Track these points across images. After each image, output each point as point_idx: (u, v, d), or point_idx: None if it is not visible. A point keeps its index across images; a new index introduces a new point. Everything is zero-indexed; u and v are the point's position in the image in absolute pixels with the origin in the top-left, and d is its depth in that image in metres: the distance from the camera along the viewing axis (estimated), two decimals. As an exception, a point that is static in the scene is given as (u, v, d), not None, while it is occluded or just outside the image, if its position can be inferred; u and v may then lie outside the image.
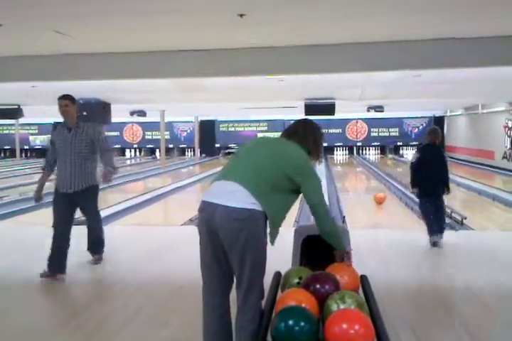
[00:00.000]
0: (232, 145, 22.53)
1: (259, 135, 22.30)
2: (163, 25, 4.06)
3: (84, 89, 8.77)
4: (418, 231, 6.39)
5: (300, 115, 11.87)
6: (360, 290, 2.53)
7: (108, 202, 9.78)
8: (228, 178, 2.34)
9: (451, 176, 13.15)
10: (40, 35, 4.33)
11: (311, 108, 10.56)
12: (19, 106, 11.34)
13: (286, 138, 2.54)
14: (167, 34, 4.44)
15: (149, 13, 3.65)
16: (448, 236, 6.00)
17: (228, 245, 2.26)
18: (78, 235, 4.54)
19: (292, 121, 2.72)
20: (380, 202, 8.78)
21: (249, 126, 22.56)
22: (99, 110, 10.53)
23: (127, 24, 4.00)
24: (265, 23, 4.03)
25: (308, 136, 2.55)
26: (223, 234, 2.25)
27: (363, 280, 2.59)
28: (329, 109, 10.57)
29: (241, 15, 3.70)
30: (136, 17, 3.75)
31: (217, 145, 23.27)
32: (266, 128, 22.35)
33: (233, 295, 2.40)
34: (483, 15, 3.87)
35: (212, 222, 2.26)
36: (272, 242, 2.35)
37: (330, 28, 4.28)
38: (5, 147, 24.09)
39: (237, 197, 2.24)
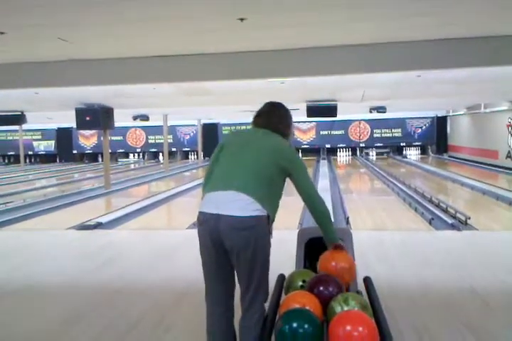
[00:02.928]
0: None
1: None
2: (165, 30, 4.08)
3: (87, 94, 8.82)
4: (422, 232, 6.40)
5: (302, 117, 11.90)
6: (364, 292, 2.54)
7: (112, 207, 9.82)
8: (224, 187, 2.29)
9: (454, 176, 13.06)
10: (42, 42, 4.36)
11: (313, 110, 10.57)
12: (22, 112, 11.38)
13: (262, 127, 2.54)
14: (168, 39, 4.47)
15: (151, 20, 3.67)
16: (452, 236, 5.99)
17: (237, 253, 2.25)
18: (82, 239, 4.56)
19: (261, 106, 2.67)
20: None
21: (252, 128, 22.60)
22: (102, 115, 10.55)
23: (130, 30, 4.03)
24: (265, 27, 4.05)
25: (282, 121, 2.58)
26: (231, 244, 2.23)
27: (367, 281, 2.59)
28: (331, 110, 10.56)
29: (241, 20, 3.72)
30: (139, 23, 3.78)
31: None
32: (269, 130, 22.34)
33: (236, 297, 2.41)
34: (483, 16, 3.88)
35: (217, 233, 2.23)
36: (271, 233, 2.39)
37: (331, 30, 4.29)
38: (9, 153, 24.17)
39: (240, 205, 2.23)
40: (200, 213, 2.32)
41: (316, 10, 3.54)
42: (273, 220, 2.39)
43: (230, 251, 2.26)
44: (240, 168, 2.34)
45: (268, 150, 2.38)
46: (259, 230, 2.25)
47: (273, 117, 2.56)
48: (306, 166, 2.48)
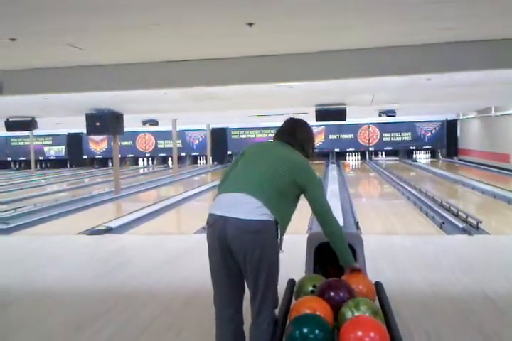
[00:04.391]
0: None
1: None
2: (174, 36, 4.11)
3: (97, 100, 8.87)
4: (433, 236, 6.35)
5: (311, 121, 11.88)
6: (375, 297, 2.52)
7: (122, 212, 9.85)
8: (236, 190, 2.31)
9: (464, 179, 12.97)
10: (53, 48, 4.40)
11: (322, 114, 10.55)
12: (33, 118, 11.48)
13: (284, 141, 2.54)
14: (177, 45, 4.49)
15: (160, 25, 3.69)
16: (463, 240, 5.94)
17: (243, 257, 2.24)
18: (92, 244, 4.58)
19: (284, 121, 2.68)
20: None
21: (261, 133, 22.60)
22: (112, 120, 10.62)
23: (139, 36, 4.06)
24: (274, 32, 4.05)
25: (305, 138, 2.60)
26: (237, 247, 2.23)
27: (378, 286, 2.58)
28: (340, 114, 10.54)
29: (250, 24, 3.73)
30: (148, 29, 3.80)
31: (229, 152, 23.33)
32: (277, 134, 22.36)
33: (246, 304, 2.40)
34: (489, 19, 3.86)
35: (224, 235, 2.23)
36: (281, 248, 2.35)
37: (338, 35, 4.29)
38: (20, 158, 24.38)
39: (248, 208, 2.23)
40: (210, 215, 2.33)
41: (324, 14, 3.54)
42: (283, 231, 2.36)
43: (237, 255, 2.25)
44: (254, 173, 2.35)
45: (286, 162, 2.38)
46: (265, 234, 2.24)
47: (297, 134, 2.58)
48: (322, 184, 2.49)
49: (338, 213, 7.76)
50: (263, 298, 2.29)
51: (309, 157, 2.59)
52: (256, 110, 12.84)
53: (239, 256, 2.25)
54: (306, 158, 2.53)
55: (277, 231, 2.31)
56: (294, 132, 2.58)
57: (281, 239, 2.34)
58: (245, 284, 2.36)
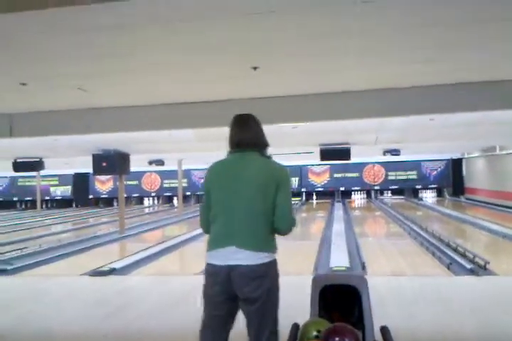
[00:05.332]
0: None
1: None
2: (181, 79, 4.22)
3: (104, 140, 9.01)
4: (440, 277, 6.24)
5: (316, 160, 11.94)
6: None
7: (126, 252, 9.78)
8: (228, 243, 2.26)
9: (472, 219, 12.85)
10: (61, 92, 4.52)
11: (326, 153, 10.62)
12: (41, 158, 11.63)
13: (245, 147, 2.42)
14: (182, 87, 4.60)
15: (166, 67, 3.80)
16: (471, 282, 5.84)
17: (252, 302, 2.25)
18: (96, 285, 4.53)
19: (233, 125, 2.54)
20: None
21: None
22: (118, 161, 10.73)
23: (146, 79, 4.17)
24: (277, 74, 4.16)
25: (260, 135, 2.51)
26: (245, 293, 2.24)
27: (384, 331, 2.52)
28: (345, 154, 10.60)
29: (255, 68, 3.84)
30: (154, 72, 3.91)
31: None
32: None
33: None
34: (494, 60, 3.95)
35: (229, 284, 2.24)
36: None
37: (341, 76, 4.39)
38: (26, 198, 24.47)
39: (248, 255, 2.24)
40: (209, 265, 2.32)
41: (327, 57, 3.64)
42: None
43: (245, 301, 2.25)
44: (236, 218, 2.28)
45: (260, 183, 2.30)
46: (271, 275, 2.28)
47: (250, 132, 2.47)
48: (291, 188, 2.43)
49: (343, 253, 7.67)
50: (270, 334, 2.33)
51: (268, 145, 2.50)
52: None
53: (247, 301, 2.26)
54: (267, 147, 2.46)
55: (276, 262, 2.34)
56: (250, 136, 2.45)
57: None
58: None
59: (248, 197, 2.29)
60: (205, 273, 2.36)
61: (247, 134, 2.45)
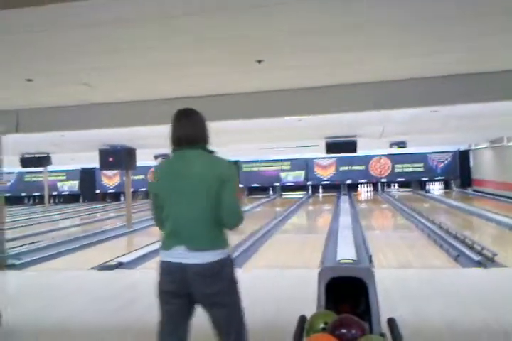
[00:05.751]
0: (256, 185, 22.69)
1: (282, 174, 22.45)
2: (185, 74, 4.22)
3: (110, 136, 9.03)
4: (448, 269, 6.23)
5: (322, 153, 11.91)
6: (389, 334, 2.46)
7: (133, 246, 9.83)
8: (178, 243, 2.27)
9: (479, 210, 12.78)
10: (66, 88, 4.53)
11: (332, 146, 10.58)
12: (48, 154, 11.68)
13: (186, 144, 2.36)
14: (188, 82, 4.60)
15: (171, 65, 3.81)
16: (479, 273, 5.82)
17: (210, 302, 2.28)
18: (104, 279, 4.55)
19: (174, 121, 2.43)
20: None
21: (272, 165, 22.70)
22: (125, 156, 10.76)
23: (150, 75, 4.17)
24: (282, 67, 4.15)
25: (204, 131, 2.45)
26: (201, 292, 2.26)
27: (391, 323, 2.52)
28: (351, 146, 10.54)
29: (259, 61, 3.83)
30: (159, 67, 3.92)
31: (240, 185, 23.39)
32: (289, 167, 22.47)
33: None
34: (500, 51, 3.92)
35: (184, 283, 2.26)
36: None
37: (345, 69, 4.38)
38: (34, 194, 24.61)
39: (199, 254, 2.25)
40: (163, 262, 2.33)
41: (334, 50, 3.63)
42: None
43: (201, 300, 2.29)
44: (183, 217, 2.28)
45: (204, 180, 2.27)
46: (227, 272, 2.30)
47: (189, 128, 2.39)
48: (236, 182, 2.39)
49: (350, 246, 7.67)
50: (237, 335, 2.34)
51: (208, 141, 2.45)
52: (266, 144, 12.94)
53: (205, 300, 2.28)
54: (207, 142, 2.41)
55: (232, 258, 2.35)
56: (189, 132, 2.38)
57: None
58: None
59: (193, 196, 2.27)
60: (159, 270, 2.36)
61: (185, 130, 2.38)
